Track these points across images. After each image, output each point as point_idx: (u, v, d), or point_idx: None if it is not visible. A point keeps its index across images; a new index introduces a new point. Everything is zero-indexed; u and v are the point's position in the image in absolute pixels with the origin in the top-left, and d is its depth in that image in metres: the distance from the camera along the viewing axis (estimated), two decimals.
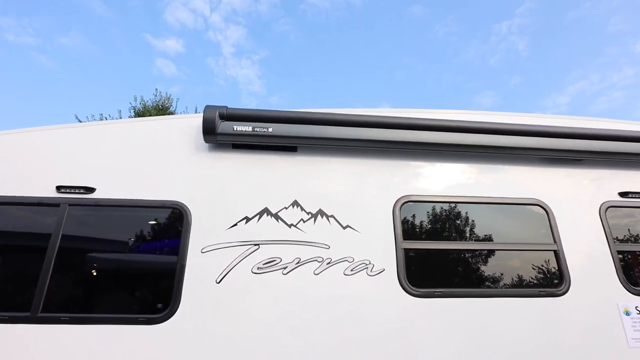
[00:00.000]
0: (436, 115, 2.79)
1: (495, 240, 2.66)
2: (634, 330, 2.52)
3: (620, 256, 2.72)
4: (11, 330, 2.16)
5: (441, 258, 2.60)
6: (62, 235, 2.38)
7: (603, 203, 2.83)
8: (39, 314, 2.20)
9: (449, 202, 2.67)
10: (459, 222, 2.67)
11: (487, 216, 2.71)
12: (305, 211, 2.51)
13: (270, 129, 2.55)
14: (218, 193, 2.53)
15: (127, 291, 2.44)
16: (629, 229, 2.85)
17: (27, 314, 2.20)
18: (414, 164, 2.74)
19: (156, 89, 18.55)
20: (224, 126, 2.54)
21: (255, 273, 2.34)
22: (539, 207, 2.74)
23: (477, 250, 2.62)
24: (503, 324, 2.42)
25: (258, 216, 2.48)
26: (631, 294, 2.61)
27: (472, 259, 2.62)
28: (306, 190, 2.58)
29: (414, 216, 2.63)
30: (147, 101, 15.29)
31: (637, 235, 2.86)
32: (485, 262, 2.63)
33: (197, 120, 2.66)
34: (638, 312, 2.57)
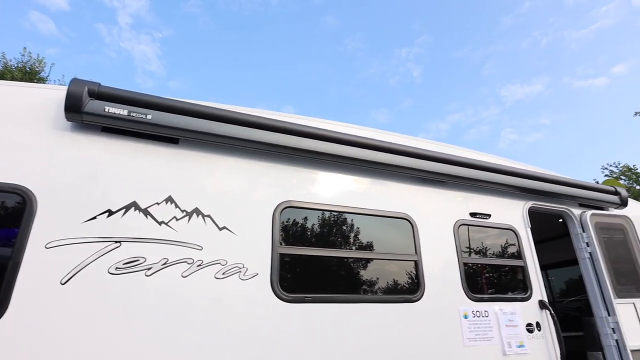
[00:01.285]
0: (323, 125, 2.88)
1: (366, 249, 2.85)
2: (469, 332, 2.94)
3: (465, 267, 3.15)
4: None
5: (315, 264, 2.67)
6: None
7: (457, 221, 3.25)
8: None
9: (328, 211, 2.77)
10: (335, 230, 2.80)
11: (361, 226, 2.89)
12: (179, 208, 2.34)
13: (150, 116, 2.33)
14: (76, 180, 2.20)
15: None
16: (473, 245, 3.33)
17: None
18: (297, 170, 2.77)
19: (25, 48, 15.46)
20: (92, 105, 2.23)
21: (112, 274, 2.09)
22: (406, 221, 3.02)
23: (349, 258, 2.76)
24: (367, 328, 2.59)
25: (123, 210, 2.23)
26: (470, 300, 3.04)
27: (344, 267, 2.76)
28: (183, 187, 2.41)
29: (293, 222, 2.67)
30: (11, 60, 12.67)
31: (479, 250, 3.36)
32: (356, 269, 2.80)
33: (62, 94, 2.29)
34: (474, 315, 3.01)
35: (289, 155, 2.72)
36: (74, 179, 2.21)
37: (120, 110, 2.28)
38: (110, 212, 2.19)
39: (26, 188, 2.08)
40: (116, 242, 2.15)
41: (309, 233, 2.72)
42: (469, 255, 3.25)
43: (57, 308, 1.97)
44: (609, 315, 3.61)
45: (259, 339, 2.29)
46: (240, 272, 2.35)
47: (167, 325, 2.12)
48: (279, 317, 2.37)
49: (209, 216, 2.39)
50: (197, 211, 2.37)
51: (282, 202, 2.61)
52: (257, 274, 2.38)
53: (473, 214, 3.37)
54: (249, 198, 2.55)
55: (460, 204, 3.36)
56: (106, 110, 2.25)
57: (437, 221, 3.17)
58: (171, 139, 2.47)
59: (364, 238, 2.88)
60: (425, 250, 3.00)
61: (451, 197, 3.34)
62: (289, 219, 2.65)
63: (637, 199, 7.81)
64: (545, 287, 6.82)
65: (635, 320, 3.68)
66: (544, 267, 6.38)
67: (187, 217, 2.34)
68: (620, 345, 3.51)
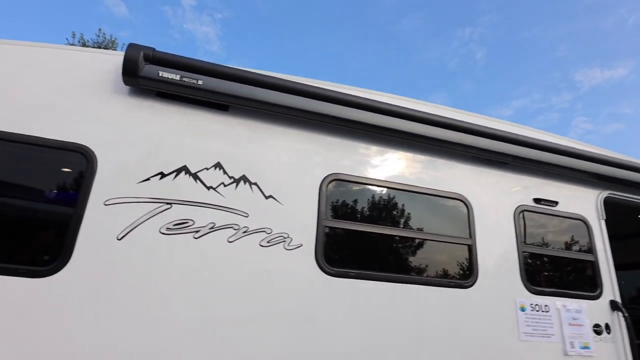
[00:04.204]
0: (380, 98, 2.74)
1: (415, 228, 2.70)
2: (526, 325, 2.70)
3: (525, 257, 2.89)
4: None
5: (361, 240, 2.58)
6: None
7: (518, 206, 2.98)
8: None
9: (378, 186, 2.65)
10: (384, 207, 2.67)
11: (412, 205, 2.74)
12: (227, 175, 2.35)
13: (201, 81, 2.34)
14: (133, 142, 2.29)
15: (8, 237, 2.14)
16: (536, 233, 3.04)
17: None
18: (348, 143, 2.67)
19: (100, 29, 16.63)
20: (148, 69, 2.28)
21: (163, 233, 2.16)
22: (461, 203, 2.82)
23: (397, 236, 2.64)
24: (410, 310, 2.47)
25: (175, 173, 2.28)
26: (529, 292, 2.79)
27: (391, 245, 2.64)
28: (232, 154, 2.41)
29: (340, 195, 2.59)
30: (88, 41, 13.79)
31: (542, 240, 3.06)
32: (403, 248, 2.67)
33: (121, 58, 2.36)
34: (532, 309, 2.76)
35: (339, 127, 2.63)
36: (131, 140, 2.29)
37: (173, 75, 2.31)
38: (162, 175, 2.26)
39: (88, 147, 2.19)
40: (167, 203, 2.21)
41: (356, 208, 2.62)
42: (530, 244, 2.98)
43: (113, 261, 2.07)
44: None
45: (300, 309, 2.26)
46: (284, 241, 2.32)
47: (210, 287, 2.16)
48: (321, 289, 2.32)
49: (255, 184, 2.38)
50: (244, 178, 2.37)
51: (329, 175, 2.54)
52: (302, 244, 2.35)
53: (537, 200, 3.07)
54: (296, 169, 2.51)
55: (523, 189, 3.08)
56: (160, 74, 2.29)
57: (495, 205, 2.93)
58: (221, 105, 2.48)
59: (414, 217, 2.73)
60: (481, 234, 2.78)
61: (513, 180, 3.06)
62: (336, 192, 2.57)
63: None
64: None
65: None
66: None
67: (234, 184, 2.35)
68: None
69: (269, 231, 2.31)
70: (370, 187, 2.65)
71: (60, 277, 1.99)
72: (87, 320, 1.97)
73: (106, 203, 2.14)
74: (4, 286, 1.93)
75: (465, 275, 2.68)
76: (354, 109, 2.57)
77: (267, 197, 2.38)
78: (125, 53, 2.25)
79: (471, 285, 2.64)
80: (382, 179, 2.67)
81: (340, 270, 2.38)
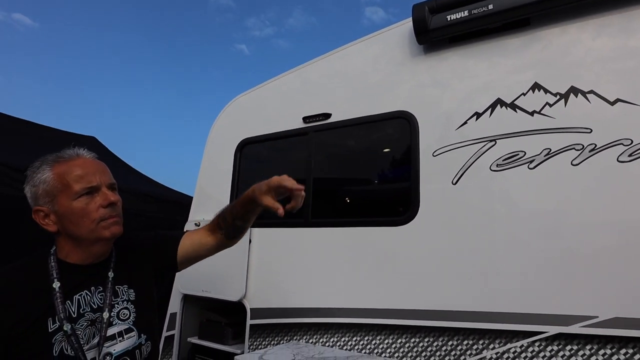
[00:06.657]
0: None
1: None
2: None
3: None
4: (292, 232, 2.80)
5: None
6: (314, 158, 2.83)
7: None
8: (310, 220, 2.74)
9: None
10: None
11: None
12: (550, 93, 2.06)
13: (491, 5, 2.17)
14: (441, 93, 2.40)
15: (371, 197, 2.72)
16: None
17: (302, 220, 2.77)
18: None
19: None
20: (436, 20, 2.33)
21: (494, 170, 2.14)
22: None
23: None
24: None
25: (490, 110, 2.21)
26: None
27: None
28: (548, 68, 2.10)
29: None
30: None
31: None
32: None
33: (409, 25, 2.54)
34: None
35: None
36: (438, 93, 2.41)
37: (461, 14, 2.25)
38: (478, 115, 2.24)
39: (407, 111, 2.47)
40: (491, 140, 2.17)
41: None
42: None
43: (454, 205, 2.24)
44: None
45: None
46: None
47: (558, 218, 1.95)
48: None
49: (591, 92, 1.97)
50: (573, 90, 2.01)
51: None
52: None
53: None
54: None
55: None
56: (449, 18, 2.28)
57: None
58: (521, 21, 2.20)
59: None
60: None
61: None
62: None
63: None
64: None
65: None
66: None
67: (562, 100, 2.03)
68: None
69: (627, 142, 1.85)
70: None
71: (414, 224, 2.34)
72: (439, 261, 2.22)
73: (434, 154, 2.34)
74: (375, 234, 2.46)
75: None
76: None
77: (613, 103, 1.92)
78: (413, 14, 2.38)
79: None
80: None
81: None
